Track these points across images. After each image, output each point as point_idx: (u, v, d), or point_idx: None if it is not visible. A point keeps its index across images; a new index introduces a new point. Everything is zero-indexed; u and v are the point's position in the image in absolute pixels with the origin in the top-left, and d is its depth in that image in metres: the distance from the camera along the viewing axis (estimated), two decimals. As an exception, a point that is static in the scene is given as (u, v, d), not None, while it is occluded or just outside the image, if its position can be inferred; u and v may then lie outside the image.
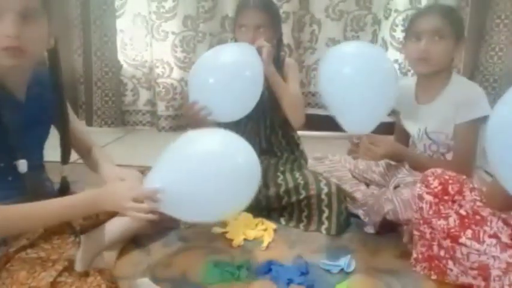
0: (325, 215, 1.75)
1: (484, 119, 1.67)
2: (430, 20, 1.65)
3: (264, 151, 2.06)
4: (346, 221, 1.77)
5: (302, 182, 1.84)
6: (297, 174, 1.88)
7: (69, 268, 1.20)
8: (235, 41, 2.01)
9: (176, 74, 3.08)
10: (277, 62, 1.98)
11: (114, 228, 1.49)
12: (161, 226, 1.64)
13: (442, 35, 1.63)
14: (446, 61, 1.68)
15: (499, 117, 1.08)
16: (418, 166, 1.70)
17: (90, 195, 1.20)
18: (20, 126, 1.15)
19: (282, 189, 1.83)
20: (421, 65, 1.70)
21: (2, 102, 1.11)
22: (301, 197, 1.80)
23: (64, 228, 1.30)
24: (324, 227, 1.74)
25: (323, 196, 1.76)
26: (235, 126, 2.08)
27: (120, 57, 3.06)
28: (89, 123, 3.10)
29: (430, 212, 1.37)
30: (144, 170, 1.73)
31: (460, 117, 1.65)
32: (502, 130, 1.06)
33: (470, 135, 1.66)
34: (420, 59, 1.68)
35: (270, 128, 2.05)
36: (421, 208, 1.40)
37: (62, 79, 1.31)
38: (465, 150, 1.66)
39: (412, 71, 2.76)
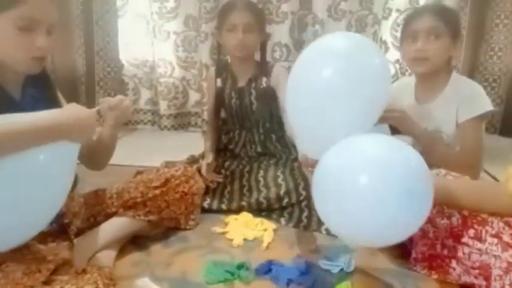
0: (326, 215, 1.76)
1: (486, 115, 1.68)
2: (424, 20, 1.66)
3: (261, 154, 2.07)
4: (346, 221, 1.77)
5: (302, 183, 1.84)
6: (297, 175, 1.88)
7: (65, 266, 1.20)
8: (219, 46, 2.03)
9: (178, 73, 3.09)
10: (264, 67, 2.00)
11: (112, 228, 1.49)
12: (161, 226, 1.64)
13: (437, 33, 1.64)
14: (444, 59, 1.69)
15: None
16: (427, 143, 1.68)
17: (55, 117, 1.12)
18: None
19: (283, 190, 1.83)
20: (419, 65, 1.70)
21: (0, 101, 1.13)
22: (302, 197, 1.80)
23: (59, 233, 1.31)
24: (324, 227, 1.73)
25: (323, 196, 1.77)
26: (228, 136, 2.11)
27: (122, 56, 3.07)
28: (91, 122, 3.11)
29: (434, 212, 1.37)
30: (144, 171, 1.74)
31: (462, 116, 1.66)
32: None
33: (474, 133, 1.67)
34: (418, 59, 1.69)
35: (264, 134, 2.07)
36: None
37: (50, 76, 1.36)
38: (472, 148, 1.67)
39: (409, 71, 2.77)
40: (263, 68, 2.05)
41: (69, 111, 1.15)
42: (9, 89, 1.19)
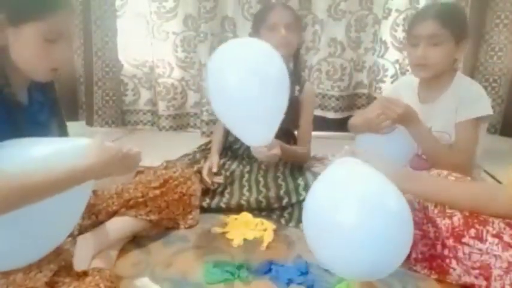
0: (326, 216, 1.75)
1: (485, 118, 1.67)
2: (426, 26, 1.64)
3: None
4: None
5: (302, 183, 1.84)
6: (297, 175, 1.88)
7: (67, 268, 1.20)
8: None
9: (177, 73, 3.08)
10: (297, 76, 1.96)
11: (114, 227, 1.50)
12: (161, 226, 1.64)
13: (439, 40, 1.62)
14: (445, 65, 1.68)
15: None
16: (424, 140, 1.69)
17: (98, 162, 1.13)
18: (23, 128, 1.15)
19: (282, 190, 1.83)
20: (420, 71, 1.71)
21: (9, 104, 1.12)
22: (301, 198, 1.80)
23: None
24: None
25: (323, 197, 1.76)
26: (234, 137, 2.09)
27: (121, 57, 3.06)
28: (90, 123, 3.10)
29: (435, 212, 1.37)
30: (144, 170, 1.74)
31: (460, 116, 1.66)
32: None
33: (470, 134, 1.67)
34: (419, 65, 1.69)
35: None
36: (426, 207, 1.39)
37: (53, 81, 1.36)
38: (464, 148, 1.67)
39: (409, 71, 2.77)
40: (296, 76, 2.00)
41: (100, 157, 1.12)
42: (17, 93, 1.18)
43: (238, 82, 1.43)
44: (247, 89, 1.42)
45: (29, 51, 1.12)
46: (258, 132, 1.54)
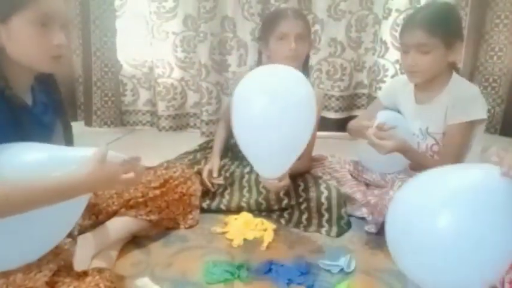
0: (325, 218, 1.75)
1: (480, 121, 1.67)
2: (413, 36, 1.64)
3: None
4: (347, 225, 1.76)
5: (302, 185, 1.84)
6: (297, 177, 1.87)
7: (67, 268, 1.20)
8: (260, 55, 1.97)
9: (176, 73, 3.08)
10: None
11: (114, 227, 1.49)
12: (161, 226, 1.64)
13: (427, 49, 1.62)
14: (437, 70, 1.67)
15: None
16: (419, 165, 1.70)
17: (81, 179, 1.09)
18: (28, 129, 1.15)
19: (282, 191, 1.83)
20: (412, 77, 1.73)
21: (12, 105, 1.12)
22: (301, 199, 1.79)
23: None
24: (324, 229, 1.73)
25: (323, 200, 1.76)
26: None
27: (120, 57, 3.05)
28: (88, 123, 3.09)
29: None
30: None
31: (452, 118, 1.66)
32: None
33: (460, 137, 1.66)
34: (410, 72, 1.69)
35: None
36: None
37: (56, 79, 1.35)
38: (453, 151, 1.67)
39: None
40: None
41: (101, 176, 1.09)
42: (21, 94, 1.18)
43: (263, 119, 1.44)
44: (272, 128, 1.43)
45: (24, 42, 1.11)
46: (273, 167, 1.56)
